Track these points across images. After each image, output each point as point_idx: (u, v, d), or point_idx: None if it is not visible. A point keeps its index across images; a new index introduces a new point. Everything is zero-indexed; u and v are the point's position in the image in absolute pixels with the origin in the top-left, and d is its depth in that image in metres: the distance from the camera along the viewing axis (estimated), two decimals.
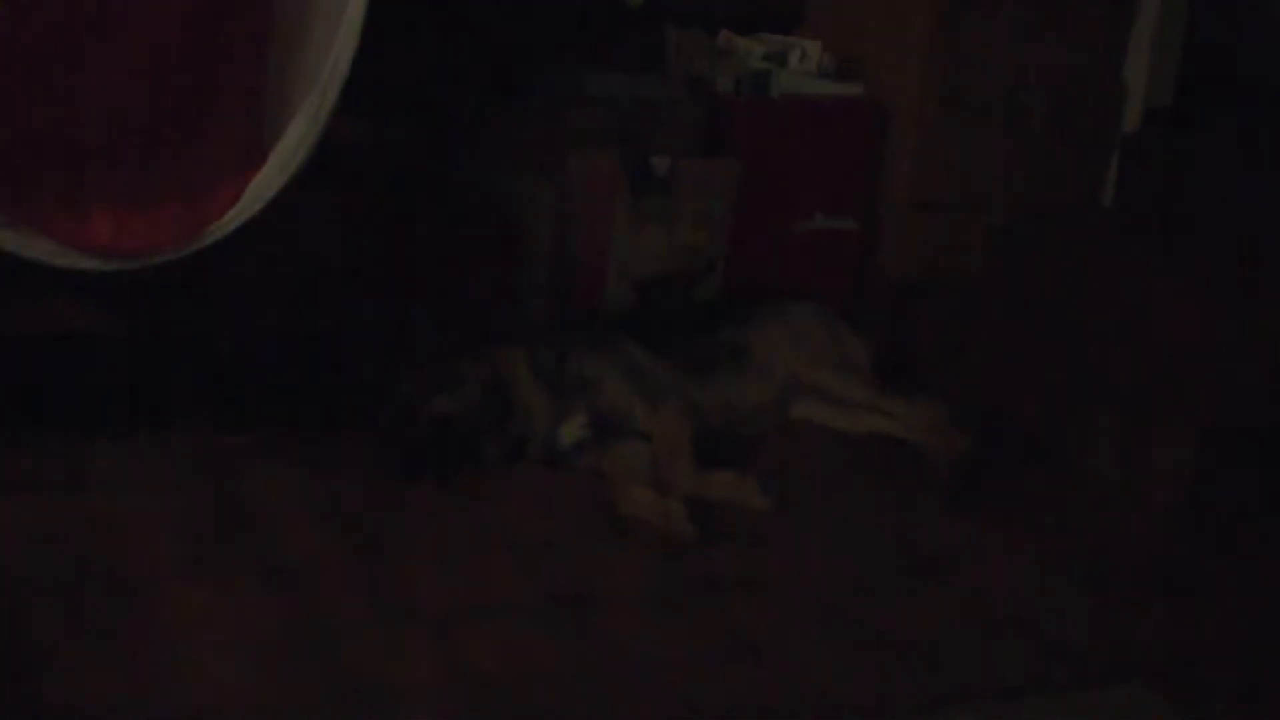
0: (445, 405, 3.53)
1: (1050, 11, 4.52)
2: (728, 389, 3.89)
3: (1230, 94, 4.89)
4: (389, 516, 3.35)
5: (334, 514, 3.33)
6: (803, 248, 4.48)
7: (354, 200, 3.64)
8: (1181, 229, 4.46)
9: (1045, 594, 3.26)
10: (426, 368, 3.59)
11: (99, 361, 3.76)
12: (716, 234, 4.30)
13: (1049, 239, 4.55)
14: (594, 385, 3.68)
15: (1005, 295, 4.51)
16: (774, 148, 4.40)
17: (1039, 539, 3.51)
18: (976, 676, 2.90)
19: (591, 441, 3.66)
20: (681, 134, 4.25)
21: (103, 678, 2.64)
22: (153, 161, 3.51)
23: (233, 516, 3.27)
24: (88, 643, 2.74)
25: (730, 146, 4.33)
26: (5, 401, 3.50)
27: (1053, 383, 4.02)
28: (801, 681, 2.84)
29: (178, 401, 3.78)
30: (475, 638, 2.87)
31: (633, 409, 3.67)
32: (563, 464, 3.66)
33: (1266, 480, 3.66)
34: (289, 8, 3.23)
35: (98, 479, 3.39)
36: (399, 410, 3.53)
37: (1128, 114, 4.70)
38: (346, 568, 3.10)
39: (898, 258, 4.56)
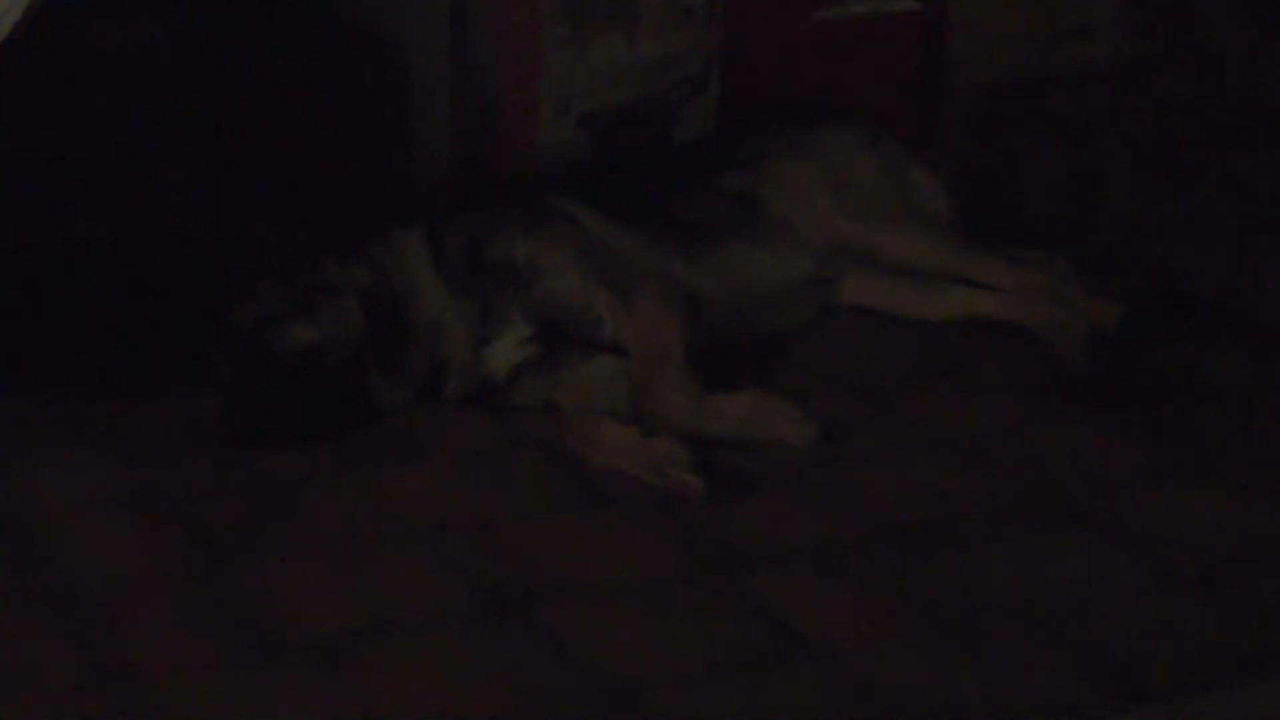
0: (309, 333, 3.56)
1: None
2: (737, 266, 3.93)
3: None
4: (238, 505, 3.37)
5: (153, 509, 3.35)
6: (835, 45, 4.52)
7: (143, 32, 3.69)
8: None
9: (1249, 535, 3.23)
10: (276, 279, 3.61)
11: None
12: (702, 37, 4.30)
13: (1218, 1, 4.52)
14: (531, 275, 3.71)
15: (1152, 93, 4.48)
16: None
17: (1236, 455, 3.50)
18: (1148, 667, 2.84)
19: (537, 362, 3.68)
20: None
21: None
22: None
23: (4, 523, 3.30)
24: None
25: None
26: None
27: (1234, 219, 4.02)
28: (864, 686, 2.81)
29: None
30: (379, 668, 2.87)
31: (594, 305, 3.69)
32: (497, 400, 3.71)
33: None
34: None
35: None
36: (241, 346, 3.56)
37: None
38: (177, 585, 3.12)
39: (983, 49, 4.56)
